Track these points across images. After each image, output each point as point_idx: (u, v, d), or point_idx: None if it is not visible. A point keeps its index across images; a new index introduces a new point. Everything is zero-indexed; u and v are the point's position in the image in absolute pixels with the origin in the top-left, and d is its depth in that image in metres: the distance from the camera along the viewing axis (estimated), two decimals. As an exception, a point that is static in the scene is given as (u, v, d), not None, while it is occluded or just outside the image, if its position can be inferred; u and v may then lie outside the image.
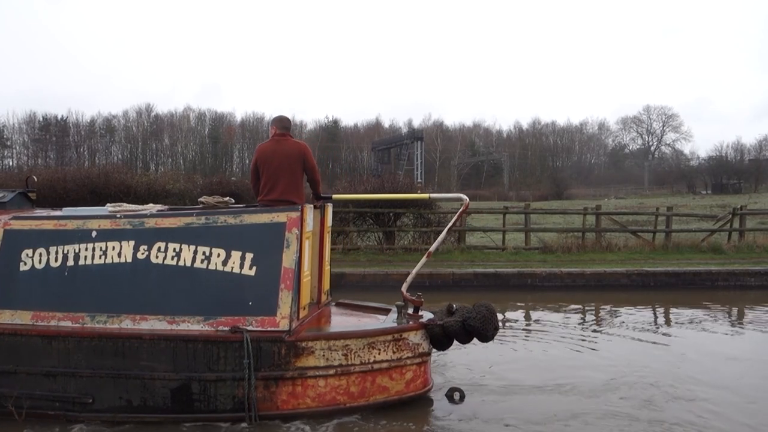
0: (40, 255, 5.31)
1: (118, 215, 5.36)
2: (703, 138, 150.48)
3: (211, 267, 5.12)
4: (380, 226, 15.73)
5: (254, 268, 5.10)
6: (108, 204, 5.77)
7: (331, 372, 5.15)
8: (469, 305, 5.68)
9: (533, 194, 56.75)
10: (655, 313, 10.48)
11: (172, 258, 5.16)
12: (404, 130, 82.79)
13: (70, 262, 5.27)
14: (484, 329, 5.51)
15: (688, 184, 69.40)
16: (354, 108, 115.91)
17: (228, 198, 5.91)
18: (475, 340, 5.67)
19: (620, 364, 7.01)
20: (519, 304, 11.03)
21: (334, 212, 14.84)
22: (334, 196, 6.44)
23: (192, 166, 72.41)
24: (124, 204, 5.79)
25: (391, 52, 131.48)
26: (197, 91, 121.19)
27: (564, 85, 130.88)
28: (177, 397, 4.98)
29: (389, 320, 5.68)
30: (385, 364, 5.32)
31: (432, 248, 6.08)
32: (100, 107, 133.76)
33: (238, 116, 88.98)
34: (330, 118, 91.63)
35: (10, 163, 73.35)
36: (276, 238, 5.14)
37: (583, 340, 8.29)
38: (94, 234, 5.29)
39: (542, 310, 10.35)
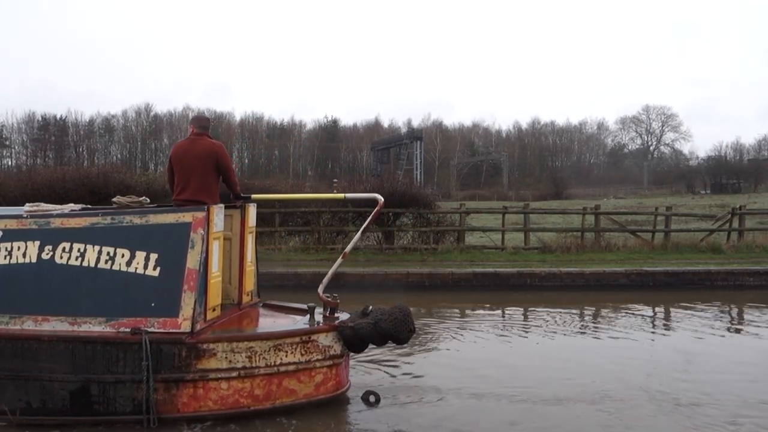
0: None
1: (25, 215, 5.33)
2: (702, 138, 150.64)
3: (115, 267, 5.06)
4: (379, 226, 15.73)
5: (158, 268, 5.04)
6: (27, 204, 5.73)
7: (234, 374, 5.06)
8: (387, 307, 5.58)
9: (532, 194, 56.73)
10: (654, 313, 10.50)
11: (77, 258, 5.11)
12: (404, 129, 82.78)
13: None
14: (396, 332, 5.39)
15: (688, 184, 69.43)
16: (353, 107, 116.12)
17: (143, 198, 5.91)
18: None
19: (617, 365, 7.01)
20: (518, 304, 11.03)
21: (334, 212, 15.20)
22: (254, 196, 6.35)
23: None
24: (42, 204, 5.74)
25: (390, 51, 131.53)
26: (196, 90, 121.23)
27: (563, 85, 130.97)
28: (76, 399, 4.92)
29: (301, 322, 5.61)
30: (292, 367, 5.24)
31: (347, 249, 6.01)
32: (99, 107, 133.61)
33: (237, 116, 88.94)
34: (329, 118, 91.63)
35: (9, 163, 73.41)
36: (181, 238, 5.08)
37: (580, 338, 8.30)
38: (0, 234, 5.27)
39: (541, 310, 10.35)
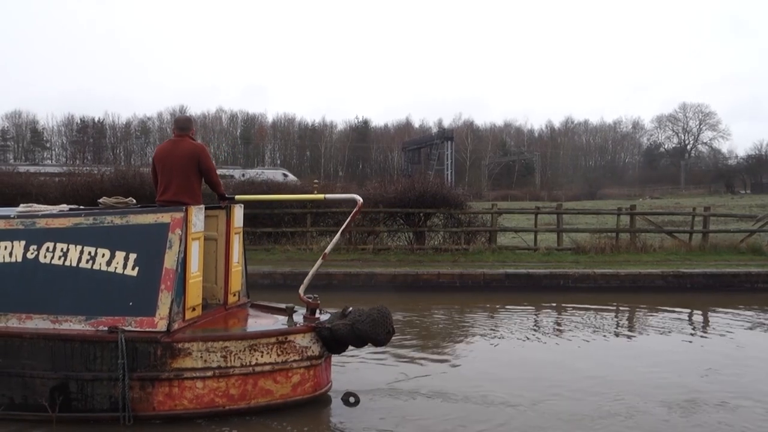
0: None
1: (12, 215, 5.46)
2: (742, 137, 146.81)
3: (96, 267, 5.16)
4: (410, 226, 15.71)
5: (137, 268, 5.11)
6: (21, 204, 5.87)
7: (209, 374, 5.09)
8: (366, 308, 5.52)
9: (565, 194, 56.03)
10: (692, 317, 10.26)
11: (59, 258, 5.22)
12: (434, 129, 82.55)
13: None
14: (374, 333, 5.34)
15: (726, 184, 67.65)
16: (384, 108, 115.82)
17: (129, 198, 5.96)
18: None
19: (653, 370, 6.87)
20: (550, 305, 10.89)
21: (364, 212, 15.18)
22: (237, 196, 6.37)
23: (224, 167, 73.39)
24: (35, 205, 5.86)
25: (421, 52, 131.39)
26: (233, 93, 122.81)
27: (597, 83, 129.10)
28: (56, 395, 5.01)
29: (280, 322, 5.59)
30: (268, 367, 5.25)
31: (327, 250, 5.95)
32: (135, 109, 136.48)
33: (270, 117, 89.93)
34: (360, 119, 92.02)
35: (50, 164, 75.36)
36: (159, 238, 5.14)
37: (610, 339, 8.15)
38: None
39: (573, 312, 10.20)
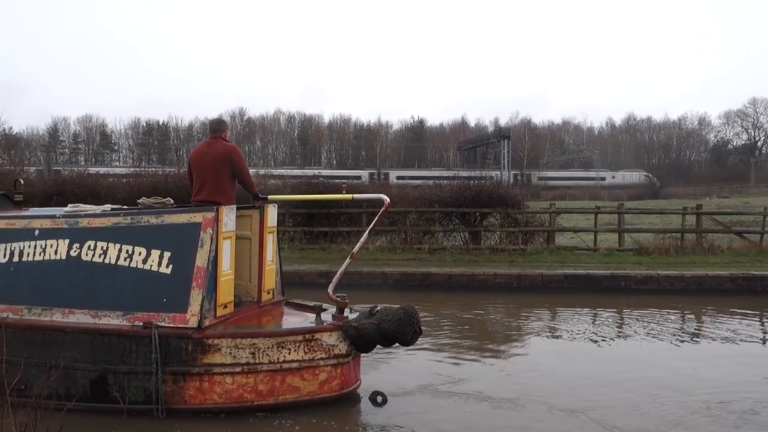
0: None
1: (58, 215, 5.74)
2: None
3: (133, 265, 5.38)
4: (466, 226, 15.60)
5: (170, 266, 5.30)
6: (69, 204, 6.14)
7: (238, 369, 5.21)
8: (395, 307, 5.49)
9: (627, 193, 54.36)
10: (763, 321, 9.78)
11: (100, 256, 5.48)
12: (491, 128, 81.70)
13: (15, 258, 5.74)
14: (400, 333, 5.35)
15: (801, 182, 64.20)
16: (440, 107, 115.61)
17: (167, 199, 6.11)
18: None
19: (714, 383, 6.58)
20: (611, 308, 10.58)
21: (420, 212, 15.17)
22: (270, 196, 6.44)
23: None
24: (81, 205, 6.14)
25: (478, 50, 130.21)
26: (293, 95, 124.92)
27: (660, 79, 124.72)
28: (95, 387, 5.26)
29: (308, 321, 5.67)
30: (295, 364, 5.33)
31: (355, 249, 5.90)
32: (198, 112, 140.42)
33: (326, 118, 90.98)
34: (415, 118, 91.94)
35: (118, 166, 78.58)
36: (191, 237, 5.31)
37: (677, 346, 7.86)
38: (36, 233, 5.73)
39: (635, 315, 9.89)
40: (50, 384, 5.25)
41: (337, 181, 21.79)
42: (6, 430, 3.57)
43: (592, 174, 68.35)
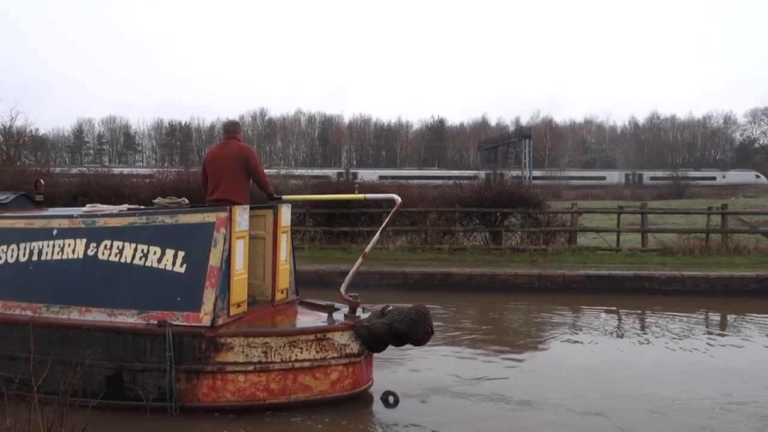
0: (12, 250, 5.95)
1: (75, 215, 5.82)
2: None
3: (148, 264, 5.46)
4: (487, 226, 15.53)
5: (184, 265, 5.37)
6: (87, 204, 6.23)
7: (251, 368, 5.26)
8: (407, 306, 5.47)
9: (650, 193, 53.62)
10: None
11: (116, 255, 5.56)
12: (511, 128, 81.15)
13: (35, 257, 5.84)
14: (411, 333, 5.33)
15: (830, 181, 62.80)
16: (460, 107, 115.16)
17: (182, 199, 6.17)
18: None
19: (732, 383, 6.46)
20: (634, 309, 10.44)
21: (440, 212, 15.16)
22: (284, 197, 6.47)
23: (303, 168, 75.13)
24: (99, 205, 6.22)
25: (498, 49, 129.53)
26: (314, 95, 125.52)
27: (684, 77, 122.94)
28: (111, 384, 5.34)
29: (320, 320, 5.69)
30: (307, 363, 5.35)
31: (367, 249, 5.89)
32: (219, 113, 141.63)
33: (346, 118, 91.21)
34: (436, 118, 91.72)
35: (141, 166, 79.62)
36: (205, 237, 5.37)
37: (694, 350, 7.74)
38: (55, 232, 5.82)
39: (659, 316, 9.75)
40: (75, 381, 5.39)
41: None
42: (33, 427, 3.62)
43: (704, 174, 66.50)
